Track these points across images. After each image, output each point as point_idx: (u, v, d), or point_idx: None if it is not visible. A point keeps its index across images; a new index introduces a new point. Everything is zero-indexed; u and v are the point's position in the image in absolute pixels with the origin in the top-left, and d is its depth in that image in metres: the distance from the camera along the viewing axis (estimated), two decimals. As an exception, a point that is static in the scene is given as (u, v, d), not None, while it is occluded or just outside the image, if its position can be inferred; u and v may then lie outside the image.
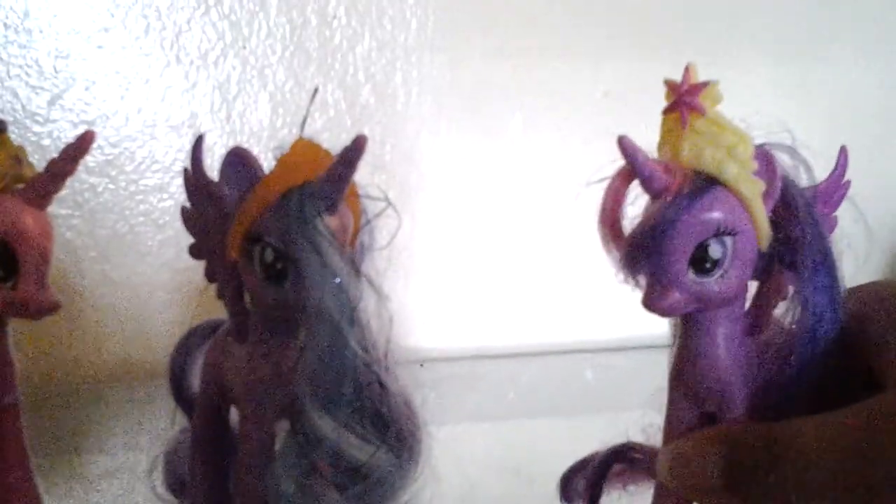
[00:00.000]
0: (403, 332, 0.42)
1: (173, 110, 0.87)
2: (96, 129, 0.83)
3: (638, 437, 0.52)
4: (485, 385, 0.91)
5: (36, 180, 0.43)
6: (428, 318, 0.95)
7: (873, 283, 0.43)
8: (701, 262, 0.39)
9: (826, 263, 0.41)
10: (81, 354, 0.88)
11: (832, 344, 0.41)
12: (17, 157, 0.43)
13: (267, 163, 0.41)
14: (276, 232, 0.39)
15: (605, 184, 0.43)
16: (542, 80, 0.96)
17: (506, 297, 0.99)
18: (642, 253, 0.39)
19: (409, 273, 0.93)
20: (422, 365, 0.44)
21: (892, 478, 0.33)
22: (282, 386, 0.41)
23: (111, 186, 0.86)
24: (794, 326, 0.41)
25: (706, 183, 0.39)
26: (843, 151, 0.44)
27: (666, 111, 0.41)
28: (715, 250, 0.39)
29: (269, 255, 0.39)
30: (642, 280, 0.41)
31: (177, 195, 0.86)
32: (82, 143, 0.43)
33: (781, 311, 0.43)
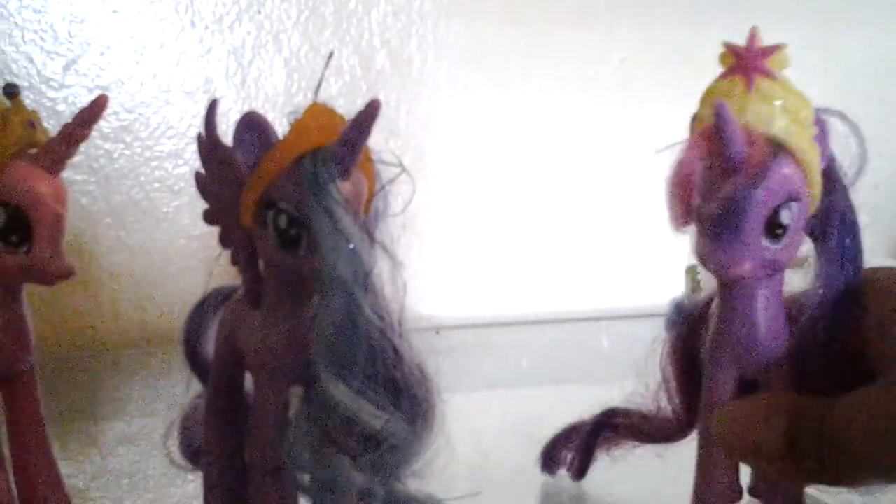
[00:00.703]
0: (417, 299, 0.42)
1: (188, 75, 0.87)
2: (111, 95, 0.83)
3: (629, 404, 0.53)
4: (498, 352, 0.91)
5: (50, 145, 0.42)
6: (442, 285, 0.94)
7: (875, 271, 0.43)
8: (773, 228, 0.39)
9: (854, 233, 0.41)
10: (97, 320, 0.89)
11: (844, 319, 0.41)
12: (31, 121, 0.42)
13: (282, 128, 0.41)
14: (289, 197, 0.39)
15: (668, 152, 0.43)
16: (558, 46, 0.96)
17: (520, 265, 0.98)
18: (724, 225, 0.39)
19: (424, 240, 0.93)
20: (437, 332, 0.44)
21: None
22: (295, 352, 0.41)
23: (126, 152, 0.86)
24: (822, 295, 0.41)
25: (776, 151, 0.39)
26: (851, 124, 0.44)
27: (726, 74, 0.40)
28: (785, 217, 0.39)
29: (283, 221, 0.39)
30: (718, 248, 0.40)
31: (192, 161, 0.86)
32: (96, 108, 0.43)
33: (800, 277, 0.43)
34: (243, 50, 0.88)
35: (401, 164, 0.42)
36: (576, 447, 0.57)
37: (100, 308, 0.88)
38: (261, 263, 0.43)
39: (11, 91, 0.42)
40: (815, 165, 0.40)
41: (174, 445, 0.53)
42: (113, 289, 0.88)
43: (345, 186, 0.39)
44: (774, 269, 0.41)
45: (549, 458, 0.58)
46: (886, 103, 1.06)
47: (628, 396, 0.52)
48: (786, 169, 0.39)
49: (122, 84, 0.85)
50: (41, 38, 0.83)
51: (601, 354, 0.93)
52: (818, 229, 0.41)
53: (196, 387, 0.51)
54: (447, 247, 0.95)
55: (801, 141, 0.39)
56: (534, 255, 0.98)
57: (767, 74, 0.39)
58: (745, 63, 0.39)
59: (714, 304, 0.44)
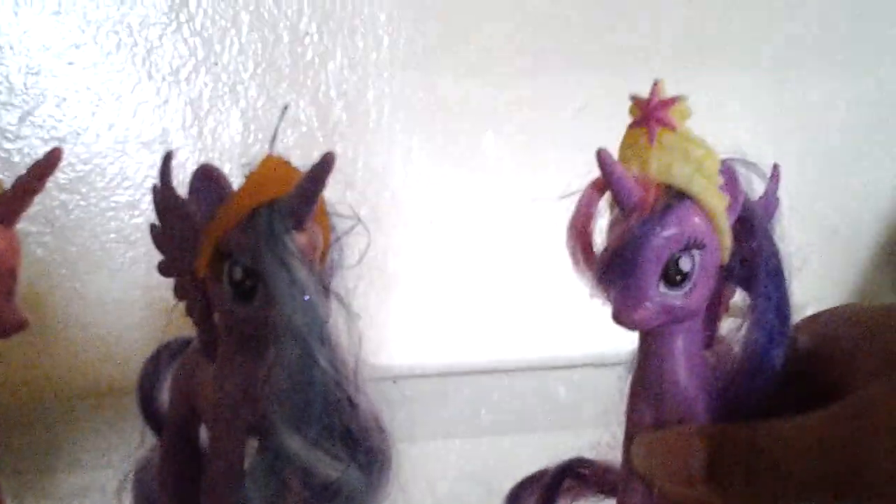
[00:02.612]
0: (374, 349, 0.42)
1: (145, 127, 0.87)
2: (67, 146, 0.83)
3: (591, 454, 0.53)
4: (456, 402, 0.91)
5: (3, 198, 0.42)
6: (398, 335, 0.95)
7: (839, 307, 0.44)
8: (672, 275, 0.40)
9: (778, 280, 0.41)
10: (52, 372, 0.88)
11: (784, 359, 0.41)
12: (-15, 174, 0.42)
13: (239, 179, 0.41)
14: (244, 249, 0.39)
15: (575, 198, 0.43)
16: (514, 97, 0.96)
17: (477, 314, 0.99)
18: (616, 269, 0.40)
19: (380, 291, 0.93)
20: (394, 382, 0.44)
21: (871, 472, 0.33)
22: (250, 404, 0.41)
23: (82, 203, 0.86)
24: (746, 342, 0.42)
25: (675, 197, 0.39)
26: (775, 168, 0.44)
27: (632, 126, 0.41)
28: (685, 264, 0.40)
29: (238, 273, 0.39)
30: (613, 294, 0.41)
31: (148, 212, 0.86)
32: (50, 161, 0.43)
33: (728, 324, 0.44)
34: (200, 101, 0.88)
35: (356, 216, 0.42)
36: (538, 495, 0.57)
37: (54, 359, 0.88)
38: (216, 315, 0.43)
39: (-34, 143, 0.42)
40: (720, 213, 0.40)
41: (128, 498, 0.52)
42: (68, 340, 0.88)
43: (300, 238, 0.39)
44: (679, 316, 0.41)
45: None
46: (841, 152, 1.07)
47: (594, 446, 0.53)
48: (687, 216, 0.39)
49: (77, 135, 0.85)
50: (-4, 90, 0.83)
51: (559, 403, 0.93)
52: (741, 274, 0.42)
53: (151, 439, 0.51)
54: (403, 297, 0.95)
55: (705, 189, 0.39)
56: (490, 305, 0.98)
57: (668, 125, 0.40)
58: (647, 115, 0.40)
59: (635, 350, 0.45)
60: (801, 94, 1.05)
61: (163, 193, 0.43)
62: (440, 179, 0.95)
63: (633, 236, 0.39)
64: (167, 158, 0.43)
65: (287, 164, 0.41)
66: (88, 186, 0.86)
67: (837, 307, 0.44)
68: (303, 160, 0.40)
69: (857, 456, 0.33)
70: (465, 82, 0.95)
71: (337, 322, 0.40)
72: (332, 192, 0.40)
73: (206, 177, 0.41)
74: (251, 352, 0.41)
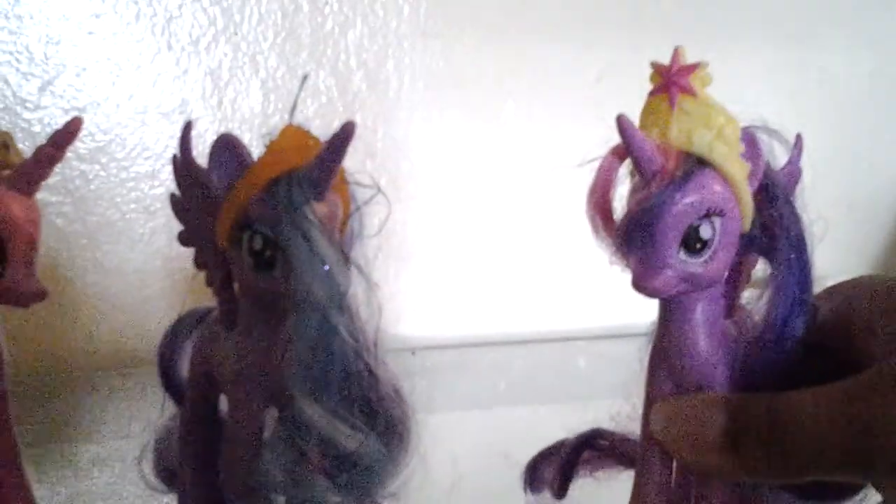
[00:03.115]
0: (394, 320, 0.42)
1: (164, 97, 0.87)
2: (87, 116, 0.83)
3: (610, 425, 0.52)
4: (475, 373, 0.91)
5: (23, 167, 0.42)
6: (419, 305, 0.94)
7: (858, 278, 0.43)
8: (692, 243, 0.39)
9: (800, 249, 0.41)
10: (72, 342, 0.88)
11: (805, 329, 0.41)
12: (4, 142, 0.42)
13: (258, 150, 0.41)
14: (264, 219, 0.39)
15: (595, 165, 0.43)
16: (534, 64, 0.96)
17: (497, 285, 0.98)
18: (636, 235, 0.40)
19: (400, 261, 0.93)
20: (413, 353, 0.44)
21: (884, 448, 0.33)
22: (270, 374, 0.40)
23: (102, 173, 0.86)
24: (767, 311, 0.41)
25: (696, 164, 0.39)
26: (798, 138, 0.44)
27: (653, 93, 0.41)
28: (705, 231, 0.39)
29: (258, 243, 0.39)
30: (632, 261, 0.41)
31: (168, 182, 0.85)
32: (69, 130, 0.43)
33: (749, 294, 0.44)
34: (220, 71, 0.88)
35: (376, 186, 0.42)
36: (557, 466, 0.57)
37: (75, 330, 0.88)
38: (236, 285, 0.43)
39: (-15, 113, 0.42)
40: (741, 181, 0.40)
41: (149, 467, 0.52)
42: (88, 310, 0.88)
43: (320, 208, 0.39)
44: (699, 284, 0.41)
45: (533, 476, 0.58)
46: (862, 123, 1.07)
47: (613, 417, 0.52)
48: (707, 183, 0.39)
49: (98, 105, 0.85)
50: (17, 60, 0.82)
51: (578, 375, 0.93)
52: (763, 243, 0.42)
53: (171, 409, 0.51)
54: (424, 268, 0.95)
55: (725, 156, 0.39)
56: (510, 276, 0.98)
57: (688, 92, 0.39)
58: (667, 81, 0.40)
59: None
60: (821, 65, 1.04)
61: (183, 163, 0.43)
62: (460, 148, 0.95)
63: (653, 203, 0.39)
64: (187, 128, 0.43)
65: (307, 133, 0.40)
66: (108, 156, 0.86)
67: (857, 278, 0.43)
68: (323, 130, 0.40)
69: (871, 431, 0.33)
70: (485, 50, 0.95)
71: (356, 292, 0.40)
72: (351, 162, 0.40)
73: (226, 146, 0.40)
74: (271, 322, 0.41)
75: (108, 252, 0.88)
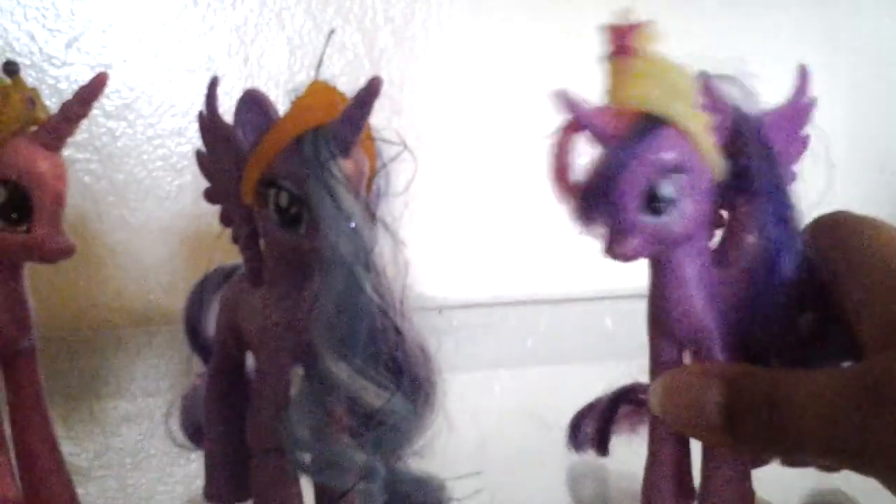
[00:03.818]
0: (419, 278, 0.41)
1: (190, 53, 0.86)
2: (113, 73, 0.83)
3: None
4: (501, 332, 0.91)
5: (50, 123, 0.42)
6: (444, 264, 0.94)
7: (863, 220, 0.42)
8: (653, 202, 0.39)
9: (776, 190, 0.40)
10: (100, 299, 0.89)
11: (796, 270, 0.40)
12: (31, 99, 0.42)
13: (284, 106, 0.41)
14: (290, 175, 0.38)
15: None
16: (562, 24, 0.95)
17: (522, 244, 0.98)
18: (595, 201, 0.39)
19: (426, 218, 0.92)
20: (439, 312, 0.43)
21: (879, 445, 0.33)
22: (296, 331, 0.40)
23: (129, 130, 0.86)
24: (753, 256, 0.41)
25: (652, 123, 0.39)
26: (801, 71, 0.43)
27: (608, 57, 0.40)
28: (666, 189, 0.39)
29: (284, 200, 0.39)
30: (601, 229, 0.40)
31: (194, 139, 0.85)
32: (95, 86, 0.42)
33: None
34: (245, 28, 0.88)
35: (403, 143, 0.42)
36: (595, 423, 0.56)
37: (102, 287, 0.88)
38: (262, 242, 0.43)
39: (11, 68, 0.42)
40: (701, 133, 0.39)
41: (176, 425, 0.53)
42: (115, 267, 0.88)
43: (346, 165, 0.38)
44: (674, 241, 0.40)
45: (576, 435, 0.58)
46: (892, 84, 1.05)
47: (639, 377, 0.52)
48: (662, 141, 0.38)
49: (124, 62, 0.85)
50: (43, 16, 0.82)
51: (605, 334, 0.93)
52: (744, 188, 0.41)
53: (197, 366, 0.51)
54: (449, 226, 0.95)
55: (681, 112, 0.39)
56: (536, 235, 0.98)
57: (635, 51, 0.39)
58: (615, 43, 0.39)
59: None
60: (852, 26, 1.03)
61: (209, 120, 0.43)
62: (487, 106, 0.94)
63: (607, 166, 0.39)
64: (213, 85, 0.43)
65: (333, 89, 0.40)
66: (135, 114, 0.86)
67: (862, 219, 0.42)
68: (349, 86, 0.40)
69: (867, 428, 0.33)
70: (513, 7, 0.94)
71: (383, 250, 0.40)
72: (377, 119, 0.40)
73: (253, 103, 0.40)
74: (297, 279, 0.41)
75: (135, 209, 0.88)
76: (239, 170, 0.41)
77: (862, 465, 0.35)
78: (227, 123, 0.42)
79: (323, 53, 0.42)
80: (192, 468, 0.57)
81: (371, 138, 0.41)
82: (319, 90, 0.40)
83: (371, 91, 0.37)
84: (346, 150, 0.38)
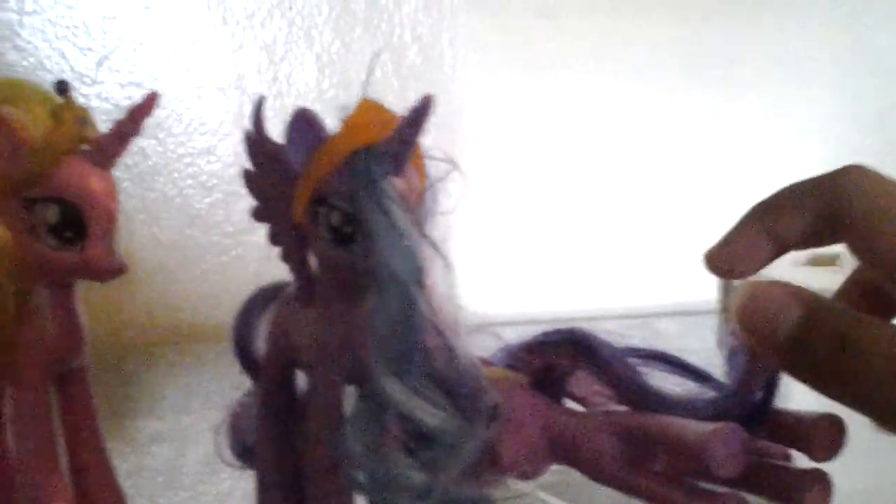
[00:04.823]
0: (471, 296, 0.41)
1: (220, 71, 0.87)
2: (143, 90, 0.83)
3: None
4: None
5: (102, 141, 0.42)
6: (495, 281, 0.94)
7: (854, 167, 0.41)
8: None
9: None
10: (131, 317, 0.89)
11: None
12: (83, 118, 0.42)
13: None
14: (342, 194, 0.38)
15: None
16: (588, 38, 0.95)
17: (560, 261, 0.98)
18: None
19: (461, 236, 0.93)
20: (487, 329, 0.43)
21: None
22: (350, 350, 0.40)
23: (160, 149, 0.86)
24: None
25: None
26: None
27: None
28: None
29: (336, 218, 0.39)
30: None
31: (225, 158, 0.87)
32: (147, 105, 0.43)
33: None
34: (275, 46, 0.88)
35: (452, 161, 0.42)
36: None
37: (133, 305, 0.88)
38: (311, 260, 0.43)
39: (63, 87, 0.42)
40: None
41: (224, 445, 0.52)
42: (146, 286, 0.89)
43: (399, 182, 0.38)
44: None
45: None
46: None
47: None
48: None
49: (154, 80, 0.85)
50: (74, 34, 0.83)
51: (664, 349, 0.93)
52: None
53: (244, 385, 0.51)
54: (485, 243, 0.95)
55: None
56: (574, 252, 0.98)
57: None
58: None
59: None
60: (874, 38, 1.03)
61: (257, 139, 0.43)
62: (517, 120, 0.94)
63: None
64: (260, 103, 0.43)
65: (383, 107, 0.40)
66: (165, 132, 0.86)
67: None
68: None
69: None
70: (539, 22, 0.94)
71: (432, 268, 0.40)
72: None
73: (303, 121, 0.40)
74: (350, 298, 0.41)
75: (166, 227, 0.88)
76: (289, 189, 0.41)
77: None
78: (277, 142, 0.42)
79: (370, 73, 0.42)
80: (223, 487, 0.57)
81: (420, 156, 0.41)
82: (369, 108, 0.40)
83: (423, 109, 0.38)
84: (399, 168, 0.38)
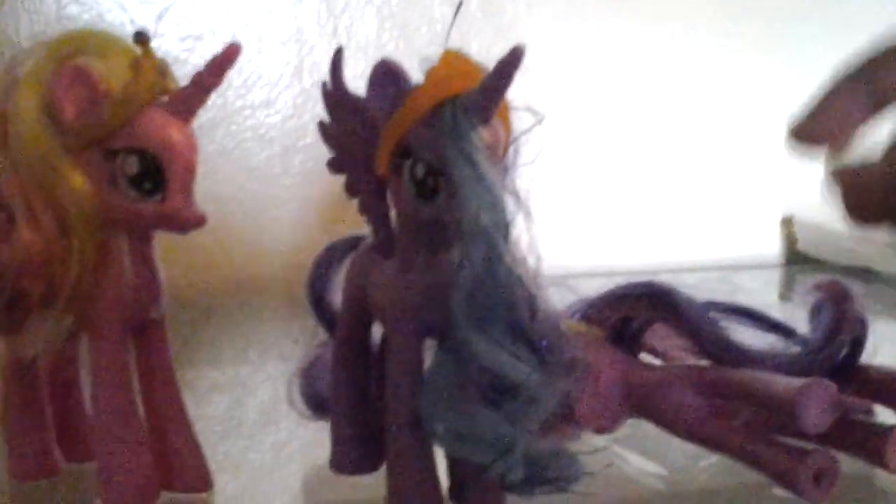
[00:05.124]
0: (548, 249, 0.41)
1: (280, 24, 0.86)
2: (203, 44, 0.83)
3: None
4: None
5: (182, 93, 0.42)
6: (559, 234, 0.94)
7: None
8: None
9: None
10: (190, 270, 0.89)
11: None
12: (163, 69, 0.42)
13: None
14: (427, 146, 0.38)
15: None
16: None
17: (636, 214, 0.98)
18: None
19: (539, 187, 0.92)
20: (567, 282, 0.43)
21: None
22: (433, 304, 0.40)
23: (219, 101, 0.86)
24: None
25: None
26: None
27: None
28: None
29: (421, 171, 0.38)
30: None
31: (284, 110, 0.86)
32: (228, 56, 0.43)
33: None
34: (335, -2, 0.87)
35: (538, 112, 0.41)
36: None
37: (192, 258, 0.89)
38: (392, 213, 0.43)
39: (143, 38, 0.42)
40: None
41: (296, 395, 0.52)
42: (205, 238, 0.89)
43: (485, 134, 0.38)
44: None
45: None
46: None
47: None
48: None
49: (213, 33, 0.85)
50: (133, -13, 0.83)
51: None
52: None
53: (319, 336, 0.51)
54: (559, 195, 0.94)
55: None
56: (649, 205, 0.98)
57: None
58: None
59: None
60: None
61: (335, 91, 0.42)
62: (577, 74, 0.94)
63: None
64: (338, 55, 0.42)
65: (467, 58, 0.40)
66: (225, 84, 0.85)
67: None
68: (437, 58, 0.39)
69: None
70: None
71: (515, 221, 0.39)
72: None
73: (386, 73, 0.40)
74: (431, 251, 0.40)
75: (224, 181, 0.88)
76: (369, 140, 0.40)
77: None
78: (356, 94, 0.41)
79: (452, 23, 0.42)
80: (281, 436, 0.58)
81: (507, 108, 0.41)
82: (454, 59, 0.39)
83: (513, 60, 0.37)
84: (486, 120, 0.38)
